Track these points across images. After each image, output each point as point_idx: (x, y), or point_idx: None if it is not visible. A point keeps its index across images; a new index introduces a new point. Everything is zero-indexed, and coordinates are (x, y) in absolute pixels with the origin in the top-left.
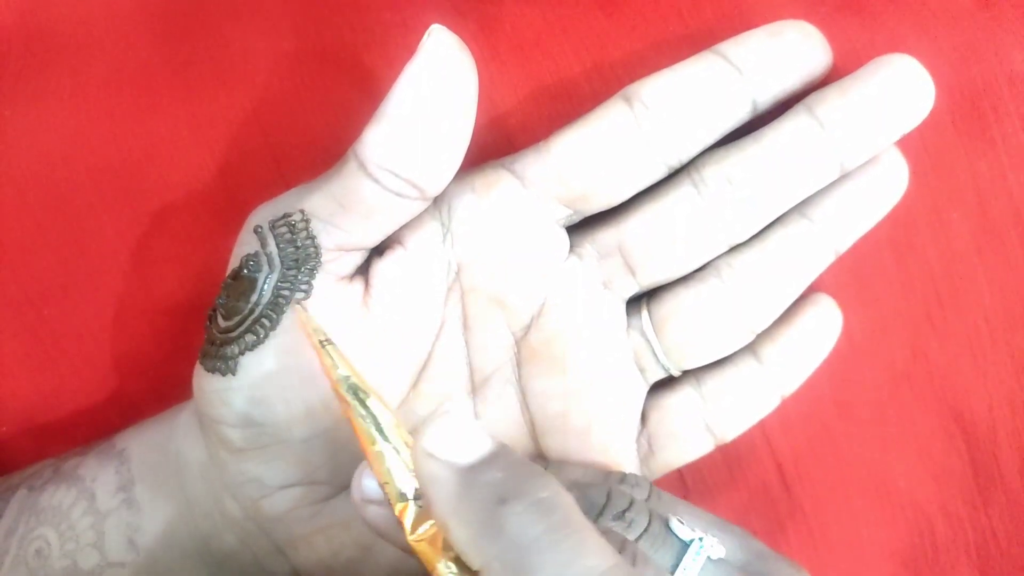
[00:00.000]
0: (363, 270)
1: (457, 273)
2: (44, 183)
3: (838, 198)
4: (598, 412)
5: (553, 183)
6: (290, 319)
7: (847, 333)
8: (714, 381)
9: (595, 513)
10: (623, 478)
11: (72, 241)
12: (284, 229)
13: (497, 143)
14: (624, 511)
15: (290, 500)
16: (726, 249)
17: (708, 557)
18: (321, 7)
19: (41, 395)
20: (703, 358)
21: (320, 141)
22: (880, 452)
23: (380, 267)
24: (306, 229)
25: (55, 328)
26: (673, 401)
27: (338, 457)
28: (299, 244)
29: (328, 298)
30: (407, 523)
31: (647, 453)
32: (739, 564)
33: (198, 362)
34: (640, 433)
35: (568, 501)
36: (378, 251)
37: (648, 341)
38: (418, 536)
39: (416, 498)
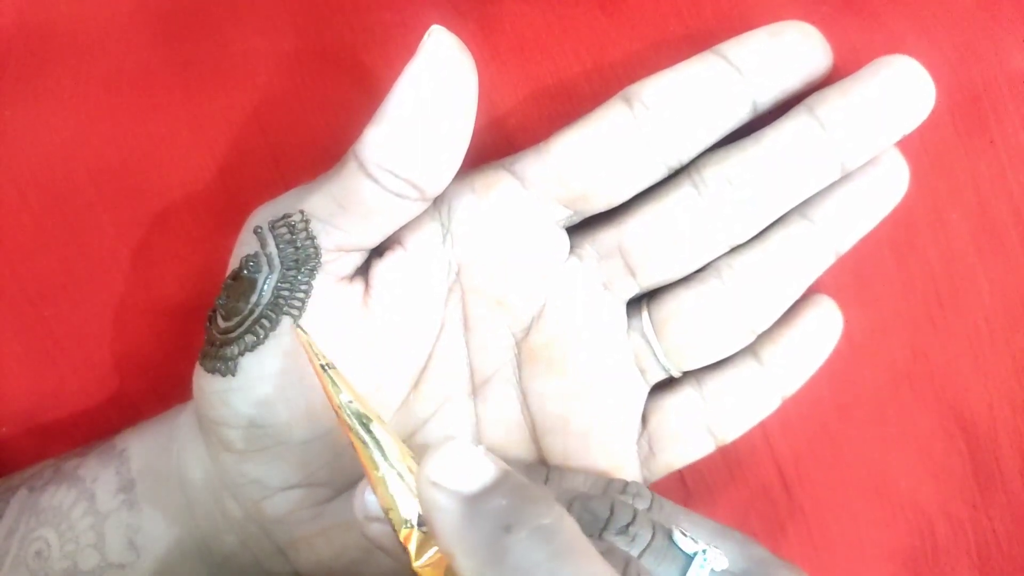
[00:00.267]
0: (363, 271)
1: (457, 274)
2: (44, 183)
3: (839, 199)
4: (598, 413)
5: (553, 184)
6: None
7: (847, 333)
8: (715, 382)
9: (599, 527)
10: (624, 487)
11: (72, 241)
12: (284, 230)
13: (497, 143)
14: (628, 525)
15: (291, 502)
16: (726, 250)
17: (712, 569)
18: (321, 7)
19: (41, 395)
20: (704, 359)
21: (320, 141)
22: (880, 452)
23: (380, 268)
24: (306, 230)
25: (55, 328)
26: (674, 402)
27: (339, 459)
28: (299, 245)
29: (328, 299)
30: (412, 549)
31: (648, 454)
32: (740, 572)
33: (198, 363)
34: (641, 434)
35: (570, 525)
36: (378, 252)
37: (648, 342)
38: (423, 563)
39: (420, 524)
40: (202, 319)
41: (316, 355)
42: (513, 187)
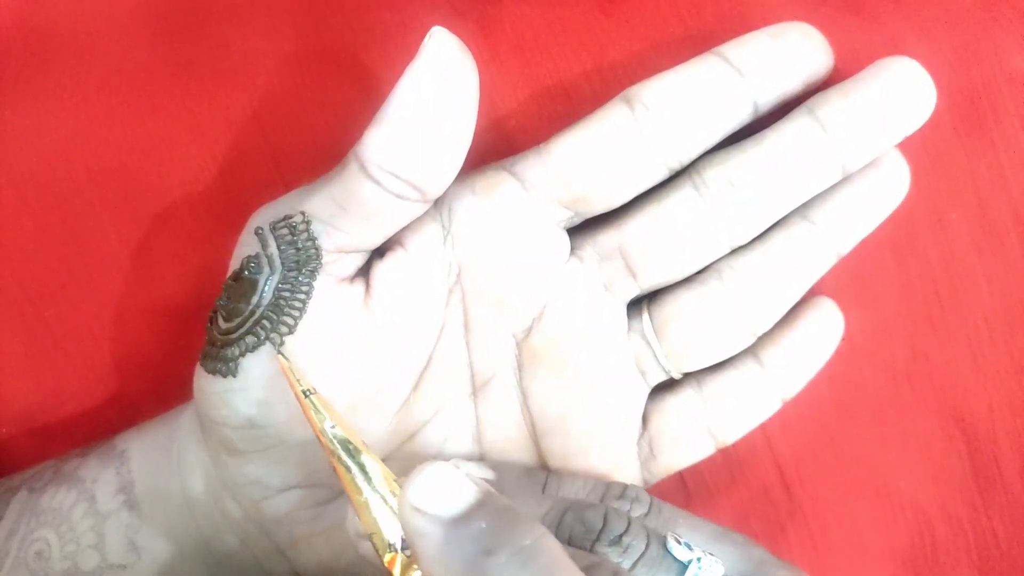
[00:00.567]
0: (364, 272)
1: (458, 275)
2: (44, 183)
3: (839, 200)
4: (599, 414)
5: (554, 185)
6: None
7: (848, 334)
8: (715, 384)
9: (592, 538)
10: (623, 491)
11: (72, 241)
12: (285, 231)
13: (497, 144)
14: (621, 535)
15: (291, 502)
16: (727, 251)
17: None
18: (321, 7)
19: (41, 396)
20: (704, 361)
21: (320, 141)
22: (881, 453)
23: (381, 269)
24: (307, 231)
25: (55, 328)
26: (674, 404)
27: None
28: (300, 246)
29: (329, 300)
30: (396, 573)
31: (648, 456)
32: (741, 574)
33: (199, 364)
34: (641, 436)
35: (551, 546)
36: (379, 253)
37: (649, 344)
38: None
39: (404, 548)
40: (203, 319)
41: (297, 381)
42: (514, 188)
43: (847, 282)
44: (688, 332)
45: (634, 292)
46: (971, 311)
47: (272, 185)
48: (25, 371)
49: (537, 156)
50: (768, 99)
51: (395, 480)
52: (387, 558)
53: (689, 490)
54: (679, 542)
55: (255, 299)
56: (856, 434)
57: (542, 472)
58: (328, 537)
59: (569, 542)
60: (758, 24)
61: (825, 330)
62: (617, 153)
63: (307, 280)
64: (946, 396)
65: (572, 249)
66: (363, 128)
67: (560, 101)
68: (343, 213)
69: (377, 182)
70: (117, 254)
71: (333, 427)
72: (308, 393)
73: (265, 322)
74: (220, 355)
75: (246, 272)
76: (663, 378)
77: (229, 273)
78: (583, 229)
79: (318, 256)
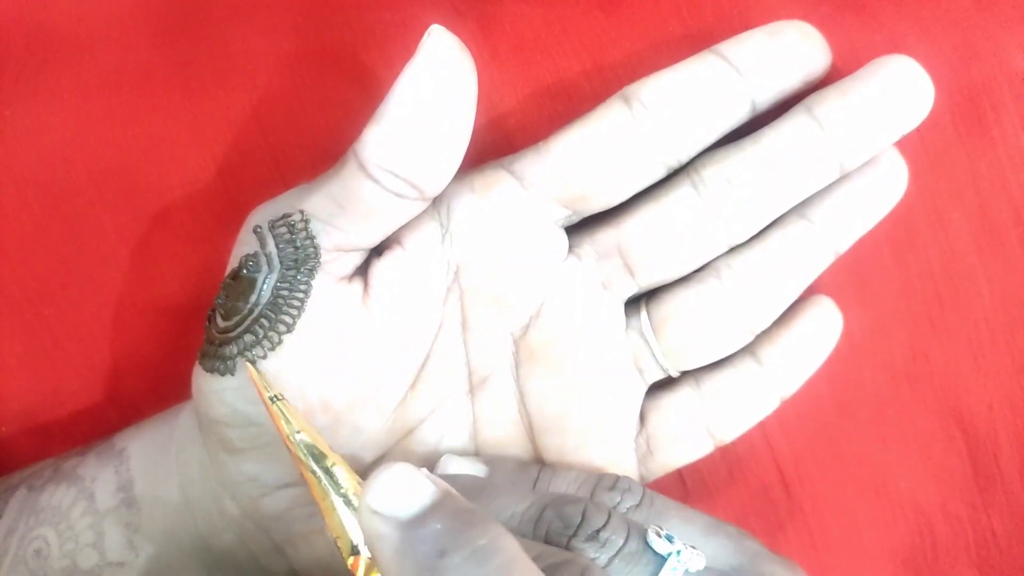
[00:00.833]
0: (362, 270)
1: (456, 273)
2: (44, 183)
3: (838, 199)
4: (596, 412)
5: (552, 183)
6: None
7: (847, 333)
8: (713, 382)
9: (569, 533)
10: (615, 483)
11: (72, 241)
12: (283, 229)
13: (497, 143)
14: (599, 530)
15: (289, 499)
16: (725, 250)
17: (687, 570)
18: (321, 7)
19: (41, 395)
20: (702, 359)
21: (320, 141)
22: (880, 452)
23: (379, 267)
24: (305, 229)
25: (55, 328)
26: (672, 402)
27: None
28: (298, 244)
29: (327, 298)
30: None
31: (646, 453)
32: (733, 567)
33: (197, 362)
34: (639, 433)
35: (508, 545)
36: (377, 251)
37: (647, 342)
38: None
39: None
40: (202, 319)
41: (265, 388)
42: (512, 187)
43: (847, 281)
44: (686, 330)
45: (632, 290)
46: (971, 310)
47: (272, 185)
48: (25, 370)
49: (535, 154)
50: (766, 97)
51: (360, 483)
52: (350, 561)
53: (688, 488)
54: (660, 535)
55: (253, 298)
56: (856, 433)
57: (535, 466)
58: (326, 534)
59: (547, 537)
60: (757, 23)
61: (823, 329)
62: (615, 151)
63: (305, 279)
64: (946, 395)
65: (570, 247)
66: (363, 128)
67: (560, 100)
68: (342, 212)
69: (376, 180)
70: (117, 254)
71: (299, 433)
72: (276, 400)
73: (263, 320)
74: (218, 353)
75: (244, 271)
76: (661, 376)
77: (228, 272)
78: (581, 227)
79: (316, 255)
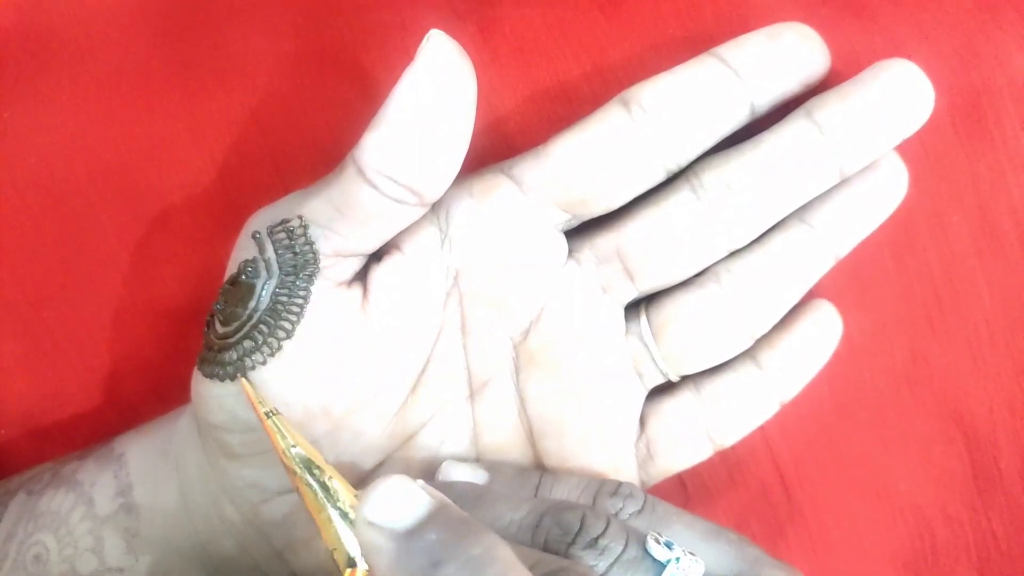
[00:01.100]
0: (361, 276)
1: (455, 278)
2: (43, 184)
3: (838, 203)
4: (596, 416)
5: (551, 188)
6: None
7: (847, 336)
8: (713, 387)
9: (568, 540)
10: (616, 489)
11: (72, 242)
12: (282, 235)
13: (496, 147)
14: (597, 537)
15: (289, 505)
16: (725, 254)
17: None
18: (321, 8)
19: (40, 398)
20: (702, 364)
21: (320, 142)
22: (880, 455)
23: (378, 273)
24: (304, 235)
25: (54, 330)
26: (672, 406)
27: (336, 461)
28: (297, 250)
29: (326, 304)
30: None
31: (646, 458)
32: (734, 573)
33: (196, 368)
34: (639, 438)
35: (503, 555)
36: (376, 257)
37: (647, 346)
38: None
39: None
40: (202, 321)
41: (260, 403)
42: (511, 191)
43: (847, 284)
44: (686, 335)
45: (632, 295)
46: (971, 313)
47: (271, 187)
48: (24, 373)
49: (535, 158)
50: (765, 100)
51: (356, 496)
52: (347, 573)
53: (688, 492)
54: (659, 542)
55: (252, 303)
56: (856, 436)
57: (536, 472)
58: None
59: (546, 545)
60: (757, 26)
61: (823, 333)
62: (614, 155)
63: (304, 284)
64: (946, 399)
65: (570, 252)
66: (362, 130)
67: (560, 103)
68: (341, 217)
69: (375, 186)
70: (116, 256)
71: (294, 447)
72: (271, 414)
73: (263, 326)
74: (217, 359)
75: (243, 276)
76: (661, 381)
77: (226, 277)
78: (581, 232)
79: (316, 260)
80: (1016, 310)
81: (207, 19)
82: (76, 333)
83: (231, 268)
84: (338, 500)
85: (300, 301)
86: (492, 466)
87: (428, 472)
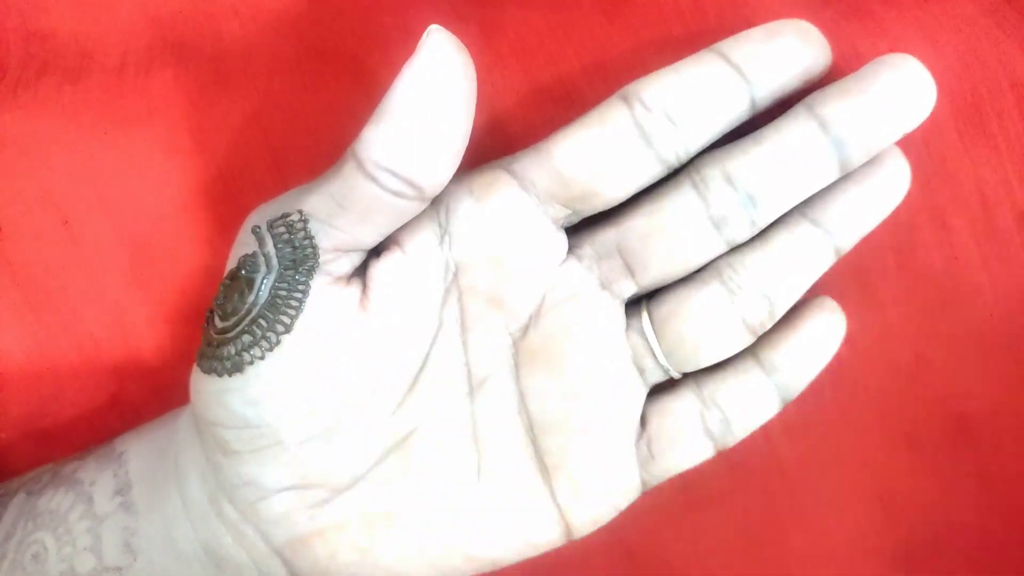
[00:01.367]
0: (360, 272)
1: (455, 274)
2: (43, 187)
3: (839, 198)
4: (597, 413)
5: (551, 183)
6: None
7: (850, 336)
8: (715, 384)
9: None
10: None
11: (72, 242)
12: (282, 229)
13: (498, 148)
14: None
15: (287, 503)
16: (726, 250)
17: None
18: (322, 9)
19: (41, 400)
20: (704, 360)
21: (320, 143)
22: (882, 455)
23: (378, 269)
24: (304, 229)
25: (55, 332)
26: (673, 405)
27: (335, 460)
28: (297, 245)
29: (325, 299)
30: None
31: (647, 457)
32: None
33: (195, 364)
34: (640, 437)
35: None
36: (376, 252)
37: (648, 343)
38: None
39: None
40: (202, 322)
41: None
42: (511, 187)
43: (850, 285)
44: (688, 331)
45: (632, 291)
46: (974, 314)
47: (272, 187)
48: (24, 375)
49: (535, 154)
50: (766, 95)
51: None
52: None
53: (690, 489)
54: None
55: (252, 298)
56: (858, 436)
57: None
58: (324, 538)
59: None
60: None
61: (827, 331)
62: (615, 151)
63: (304, 279)
64: (949, 399)
65: (570, 248)
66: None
67: (563, 104)
68: (340, 211)
69: (374, 180)
70: (117, 257)
71: None
72: None
73: (262, 321)
74: (216, 354)
75: (243, 271)
76: (662, 378)
77: (226, 272)
78: (581, 227)
79: (315, 255)
80: (1020, 311)
81: (207, 19)
82: (76, 334)
83: (231, 263)
84: None
85: (299, 295)
86: None
87: (428, 472)
